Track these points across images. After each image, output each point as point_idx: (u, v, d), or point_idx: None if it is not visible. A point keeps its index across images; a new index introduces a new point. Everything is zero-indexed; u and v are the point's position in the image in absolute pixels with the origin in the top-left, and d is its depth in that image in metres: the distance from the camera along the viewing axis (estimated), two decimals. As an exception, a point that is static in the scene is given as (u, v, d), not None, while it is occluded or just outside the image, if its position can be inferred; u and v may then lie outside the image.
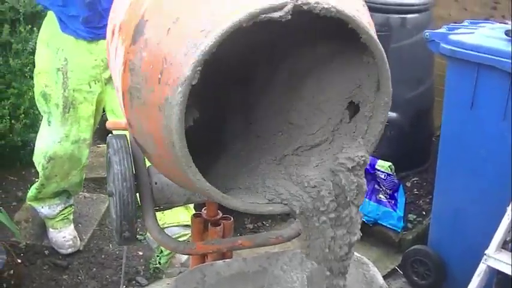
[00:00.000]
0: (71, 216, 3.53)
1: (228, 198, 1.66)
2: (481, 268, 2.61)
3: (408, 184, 4.27)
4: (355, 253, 2.35)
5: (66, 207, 3.47)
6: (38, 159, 3.32)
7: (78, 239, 3.49)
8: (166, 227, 3.30)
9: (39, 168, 3.33)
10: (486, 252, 2.62)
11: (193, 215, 2.41)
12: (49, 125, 3.25)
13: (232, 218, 2.43)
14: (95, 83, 3.15)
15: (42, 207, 3.45)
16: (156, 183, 2.15)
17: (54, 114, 3.19)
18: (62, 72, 3.12)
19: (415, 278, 3.46)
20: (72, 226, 3.51)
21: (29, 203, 3.50)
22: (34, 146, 4.11)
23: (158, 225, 2.27)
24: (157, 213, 3.12)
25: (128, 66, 1.55)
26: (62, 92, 3.14)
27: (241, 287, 2.24)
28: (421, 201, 4.16)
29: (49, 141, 3.25)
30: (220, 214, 2.42)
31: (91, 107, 3.18)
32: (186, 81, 1.38)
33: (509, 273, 2.58)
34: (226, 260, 2.28)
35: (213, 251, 2.30)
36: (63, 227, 3.46)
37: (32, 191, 3.43)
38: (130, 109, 1.62)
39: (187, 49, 1.41)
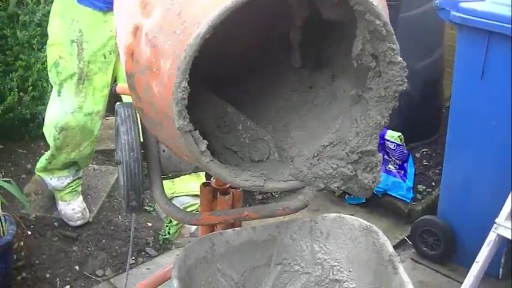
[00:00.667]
0: (80, 189, 3.53)
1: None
2: (491, 237, 2.60)
3: (417, 155, 4.26)
4: (365, 221, 2.36)
5: (74, 180, 3.46)
6: (49, 130, 3.31)
7: (87, 211, 3.50)
8: (176, 196, 3.31)
9: (50, 140, 3.33)
10: (496, 220, 2.61)
11: (202, 184, 2.41)
12: (59, 96, 3.25)
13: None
14: (110, 54, 3.14)
15: (51, 179, 3.45)
16: (164, 151, 2.15)
17: (67, 85, 3.19)
18: (76, 43, 3.12)
19: (425, 249, 3.45)
20: (80, 198, 3.51)
21: (37, 173, 3.51)
22: (43, 118, 4.13)
23: (165, 195, 2.27)
24: (167, 183, 3.15)
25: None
26: (77, 63, 3.13)
27: (250, 256, 2.23)
28: (430, 172, 4.14)
29: (61, 112, 3.25)
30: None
31: (105, 77, 3.17)
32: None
33: (520, 241, 2.57)
34: (235, 228, 2.28)
35: (219, 222, 2.30)
36: (71, 199, 3.46)
37: (41, 162, 3.43)
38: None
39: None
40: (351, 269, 2.29)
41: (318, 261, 2.29)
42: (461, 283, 2.81)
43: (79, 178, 3.51)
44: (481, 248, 2.72)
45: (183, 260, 2.12)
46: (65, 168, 3.41)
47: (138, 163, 2.14)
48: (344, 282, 2.28)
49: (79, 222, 3.46)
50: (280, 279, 2.24)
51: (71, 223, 3.45)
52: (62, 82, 3.20)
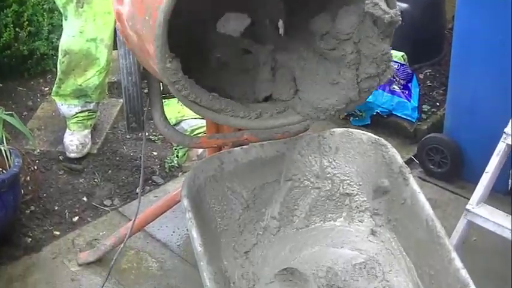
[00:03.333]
0: (89, 123, 3.48)
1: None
2: (500, 147, 2.58)
3: (421, 76, 4.21)
4: (373, 135, 2.34)
5: (83, 111, 3.43)
6: (58, 53, 3.32)
7: (87, 147, 3.45)
8: (184, 119, 3.29)
9: (58, 64, 3.33)
10: (505, 130, 2.58)
11: (208, 106, 2.38)
12: (65, 20, 3.25)
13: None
14: None
15: (62, 105, 3.43)
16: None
17: (70, 8, 3.19)
18: None
19: (432, 167, 3.44)
20: (85, 132, 3.47)
21: (52, 97, 3.49)
22: (41, 54, 4.09)
23: (165, 118, 2.24)
24: (176, 106, 3.13)
25: None
26: None
27: (259, 173, 2.23)
28: (434, 93, 4.11)
29: (65, 36, 3.27)
30: (235, 100, 2.39)
31: (105, 2, 3.11)
32: None
33: (529, 150, 2.56)
34: (243, 146, 2.27)
35: (218, 145, 2.27)
36: (76, 130, 3.43)
37: (54, 86, 3.42)
38: None
39: None
40: (360, 183, 2.29)
41: (328, 175, 2.29)
42: (469, 199, 2.81)
43: (89, 111, 3.45)
44: (488, 163, 2.71)
45: (192, 179, 2.12)
46: (75, 97, 3.37)
47: (137, 87, 2.12)
48: (355, 196, 2.28)
49: (73, 155, 3.42)
50: (290, 195, 2.24)
51: (66, 153, 3.43)
52: (65, 5, 3.19)
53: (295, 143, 2.28)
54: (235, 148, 2.24)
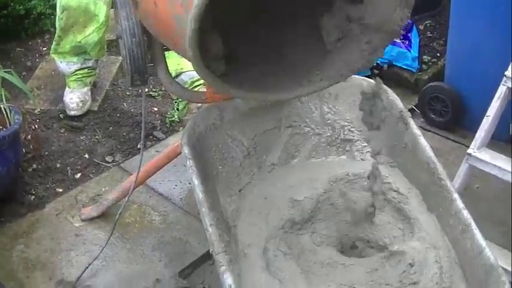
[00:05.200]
0: (88, 80, 3.46)
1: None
2: (501, 90, 2.56)
3: (421, 27, 4.18)
4: (373, 81, 2.33)
5: (82, 68, 3.41)
6: (56, 11, 3.31)
7: (86, 104, 3.43)
8: (184, 71, 3.28)
9: (57, 21, 3.31)
10: (506, 73, 2.57)
11: (207, 53, 2.36)
12: None
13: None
14: None
15: (61, 62, 3.41)
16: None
17: None
18: None
19: (433, 116, 3.44)
20: (85, 90, 3.45)
21: (51, 54, 3.47)
22: (37, 14, 4.05)
23: (169, 75, 2.24)
24: (175, 58, 3.10)
25: None
26: None
27: (259, 120, 2.23)
28: (435, 44, 4.08)
29: None
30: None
31: None
32: None
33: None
34: (243, 94, 2.25)
35: (224, 99, 2.24)
36: (76, 87, 3.42)
37: (53, 43, 3.40)
38: None
39: None
40: (361, 128, 2.28)
41: (328, 122, 2.28)
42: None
43: (88, 68, 3.44)
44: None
45: (192, 127, 2.12)
46: (74, 54, 3.36)
47: (140, 48, 2.10)
48: (355, 142, 2.28)
49: (73, 113, 3.41)
50: (291, 142, 2.24)
51: (67, 111, 3.42)
52: None
53: (295, 90, 2.27)
54: (235, 97, 2.23)
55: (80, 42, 3.30)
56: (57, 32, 3.35)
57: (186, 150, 2.00)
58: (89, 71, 3.46)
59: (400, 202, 1.97)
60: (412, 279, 1.82)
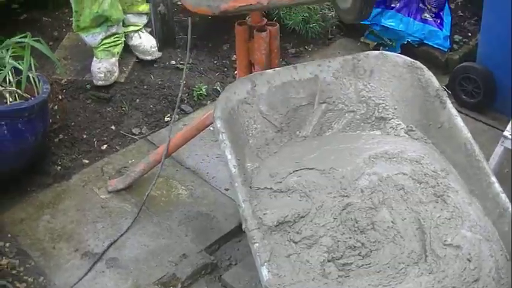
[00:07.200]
0: (115, 50, 3.44)
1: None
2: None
3: (452, 6, 4.10)
4: (409, 58, 2.28)
5: (108, 36, 3.39)
6: None
7: (114, 75, 3.41)
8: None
9: None
10: (545, 54, 2.51)
11: (237, 23, 2.32)
12: None
13: (278, 24, 2.34)
14: None
15: (86, 36, 3.40)
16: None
17: None
18: None
19: (464, 97, 3.37)
20: (113, 60, 3.43)
21: (75, 32, 3.45)
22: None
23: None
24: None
25: None
26: None
27: (293, 95, 2.19)
28: (466, 23, 4.00)
29: None
30: (265, 20, 2.33)
31: None
32: None
33: None
34: (276, 68, 2.22)
35: (252, 4, 2.05)
36: (104, 58, 3.39)
37: (74, 21, 3.37)
38: None
39: None
40: (396, 107, 2.24)
41: (363, 99, 2.24)
42: (503, 131, 2.75)
43: (114, 36, 3.42)
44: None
45: (225, 101, 2.09)
46: (96, 25, 3.34)
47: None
48: (390, 120, 2.24)
49: (100, 83, 3.39)
50: (325, 118, 2.20)
51: (94, 81, 3.40)
52: None
53: (329, 65, 2.23)
54: (268, 70, 2.20)
55: (97, 12, 3.28)
56: (73, 9, 3.33)
57: (219, 123, 1.97)
58: (115, 39, 3.44)
59: (439, 185, 1.90)
60: (473, 277, 1.73)
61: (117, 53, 3.47)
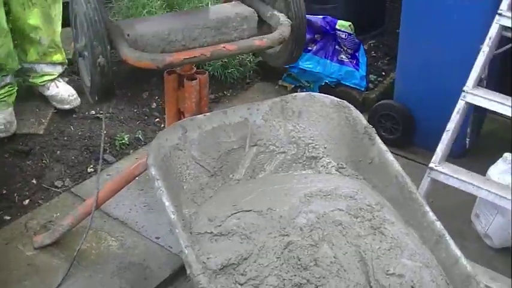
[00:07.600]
0: (10, 100, 3.33)
1: None
2: (460, 105, 2.61)
3: (365, 47, 4.23)
4: (335, 98, 2.33)
5: (2, 87, 3.28)
6: None
7: (13, 124, 3.31)
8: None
9: None
10: (464, 88, 2.61)
11: (167, 72, 2.31)
12: None
13: (207, 72, 2.35)
14: None
15: None
16: (128, 35, 2.04)
17: None
18: None
19: (384, 134, 3.46)
20: (10, 110, 3.30)
21: None
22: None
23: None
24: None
25: None
26: None
27: (224, 139, 2.19)
28: (379, 63, 4.14)
29: None
30: (195, 68, 2.33)
31: None
32: None
33: (486, 106, 2.59)
34: (206, 114, 2.22)
35: (195, 56, 2.06)
36: (1, 109, 3.27)
37: None
38: None
39: None
40: (325, 145, 2.27)
41: (293, 139, 2.26)
42: (423, 164, 2.84)
43: (8, 86, 3.30)
44: (439, 129, 2.73)
45: (157, 148, 2.07)
46: None
47: (97, 11, 1.98)
48: (321, 159, 2.26)
49: (1, 135, 3.28)
50: (257, 160, 2.21)
51: None
52: None
53: (258, 108, 2.24)
54: (198, 116, 2.19)
55: None
56: None
57: (153, 171, 1.94)
58: (9, 88, 3.31)
59: (375, 218, 1.94)
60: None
61: (12, 102, 3.36)
